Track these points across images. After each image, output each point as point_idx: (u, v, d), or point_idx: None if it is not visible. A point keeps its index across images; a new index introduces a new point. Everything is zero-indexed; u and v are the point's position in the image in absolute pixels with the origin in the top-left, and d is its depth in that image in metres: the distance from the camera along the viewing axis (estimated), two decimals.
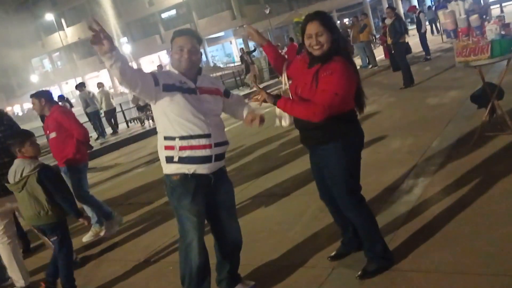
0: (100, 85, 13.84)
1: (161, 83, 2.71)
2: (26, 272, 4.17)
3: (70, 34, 47.54)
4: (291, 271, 3.22)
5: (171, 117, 2.73)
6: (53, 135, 4.76)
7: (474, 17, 4.44)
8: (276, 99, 2.72)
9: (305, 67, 2.80)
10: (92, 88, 21.82)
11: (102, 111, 13.51)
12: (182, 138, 2.72)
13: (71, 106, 13.00)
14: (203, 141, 2.75)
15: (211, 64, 40.50)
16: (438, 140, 5.35)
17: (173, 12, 43.22)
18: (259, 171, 6.15)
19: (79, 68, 46.95)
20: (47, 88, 13.49)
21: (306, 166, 3.82)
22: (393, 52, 10.52)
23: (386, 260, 2.90)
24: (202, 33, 41.54)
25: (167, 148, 2.77)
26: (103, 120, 13.82)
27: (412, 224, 3.44)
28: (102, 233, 4.99)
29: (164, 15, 43.81)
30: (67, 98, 13.07)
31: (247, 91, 18.53)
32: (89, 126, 13.71)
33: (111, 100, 13.74)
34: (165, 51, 44.59)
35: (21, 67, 48.04)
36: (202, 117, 2.76)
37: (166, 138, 2.77)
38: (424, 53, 13.10)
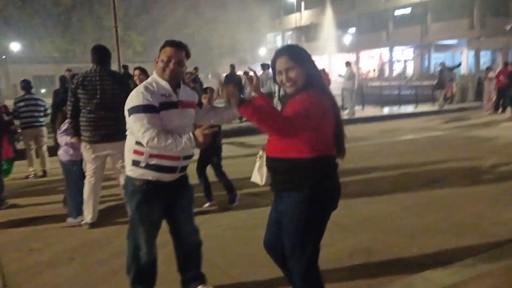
0: None
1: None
2: (96, 212, 4.86)
3: (305, 17, 50.21)
4: None
5: None
6: None
7: None
8: (242, 103, 2.19)
9: None
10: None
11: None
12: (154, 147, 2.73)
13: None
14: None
15: (431, 71, 37.75)
16: None
17: (407, 10, 41.40)
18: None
19: None
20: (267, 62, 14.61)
21: None
22: None
23: None
24: (431, 38, 39.13)
25: (136, 152, 2.79)
26: None
27: None
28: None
29: (397, 13, 42.32)
30: None
31: (431, 108, 16.88)
32: None
33: None
34: (387, 48, 43.44)
35: (256, 39, 53.06)
36: (178, 130, 2.75)
37: (137, 143, 2.77)
38: None
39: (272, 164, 2.47)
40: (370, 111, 16.89)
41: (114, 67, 9.09)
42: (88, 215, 4.80)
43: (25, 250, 4.23)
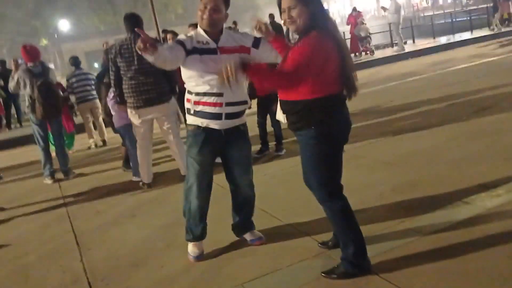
0: None
1: (187, 50, 2.94)
2: (151, 172, 5.21)
3: None
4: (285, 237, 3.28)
5: (191, 75, 2.99)
6: None
7: None
8: (245, 67, 2.41)
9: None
10: None
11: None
12: (197, 94, 3.00)
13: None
14: (214, 99, 2.96)
15: None
16: None
17: None
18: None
19: None
20: None
21: None
22: None
23: (355, 267, 2.62)
24: None
25: (187, 101, 3.07)
26: None
27: (447, 238, 2.89)
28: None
29: None
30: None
31: (487, 32, 15.88)
32: None
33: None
34: None
35: None
36: (216, 76, 2.87)
37: (188, 92, 3.07)
38: None
39: (283, 107, 2.63)
40: (422, 43, 16.20)
41: (153, 32, 9.29)
42: (144, 176, 5.15)
43: (92, 212, 4.67)
